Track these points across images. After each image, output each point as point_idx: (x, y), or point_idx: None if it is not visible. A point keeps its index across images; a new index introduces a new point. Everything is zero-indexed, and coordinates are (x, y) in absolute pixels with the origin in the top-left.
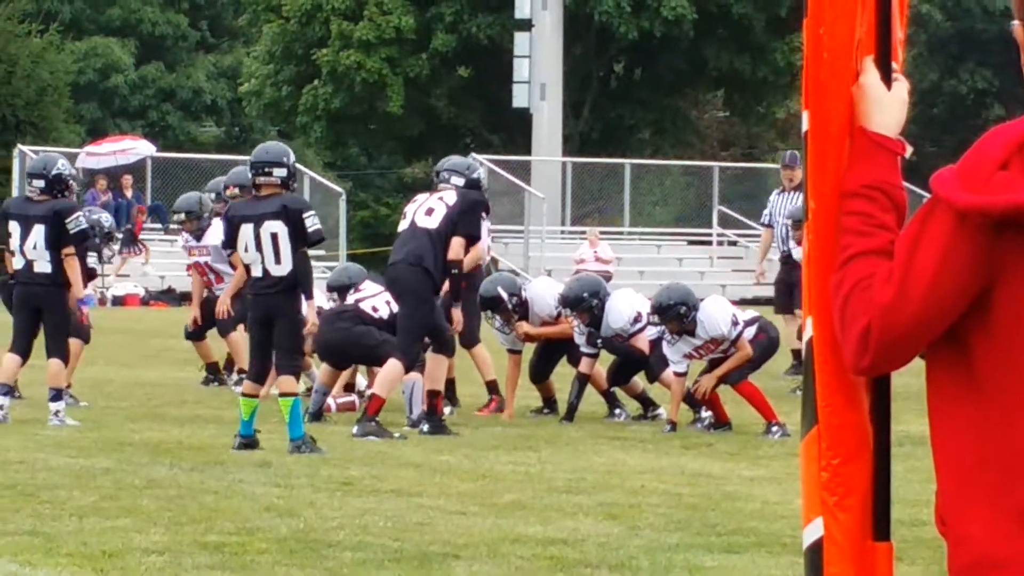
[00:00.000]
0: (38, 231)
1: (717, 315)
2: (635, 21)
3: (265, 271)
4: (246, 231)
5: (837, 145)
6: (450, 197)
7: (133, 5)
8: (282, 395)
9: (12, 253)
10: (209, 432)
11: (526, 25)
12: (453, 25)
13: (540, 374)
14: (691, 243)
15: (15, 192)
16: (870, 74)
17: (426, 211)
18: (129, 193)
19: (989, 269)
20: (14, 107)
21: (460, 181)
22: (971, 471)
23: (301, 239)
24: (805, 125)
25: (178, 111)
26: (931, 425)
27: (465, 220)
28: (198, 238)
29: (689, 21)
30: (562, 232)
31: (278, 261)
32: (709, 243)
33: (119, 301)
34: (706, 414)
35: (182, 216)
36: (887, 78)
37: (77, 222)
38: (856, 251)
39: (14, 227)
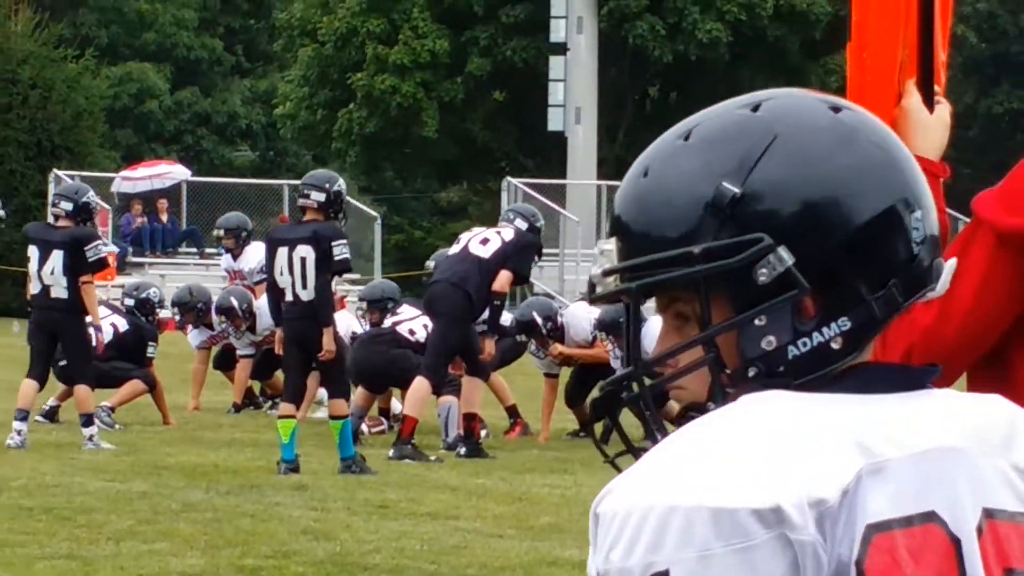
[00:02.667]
0: (56, 256)
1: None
2: (670, 44)
3: (295, 295)
4: (282, 254)
5: None
6: (508, 233)
7: (168, 30)
8: (332, 417)
9: (30, 278)
10: (245, 455)
11: (561, 49)
12: (488, 49)
13: (576, 398)
14: None
15: (50, 218)
16: (912, 97)
17: (481, 240)
18: (164, 217)
19: None
20: (49, 132)
21: (524, 224)
22: None
23: (327, 266)
24: None
25: (213, 135)
26: None
27: (518, 257)
28: (235, 257)
29: (724, 44)
30: (598, 254)
31: (304, 286)
32: None
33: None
34: None
35: (221, 232)
36: (929, 101)
37: (96, 250)
38: None
39: (33, 252)
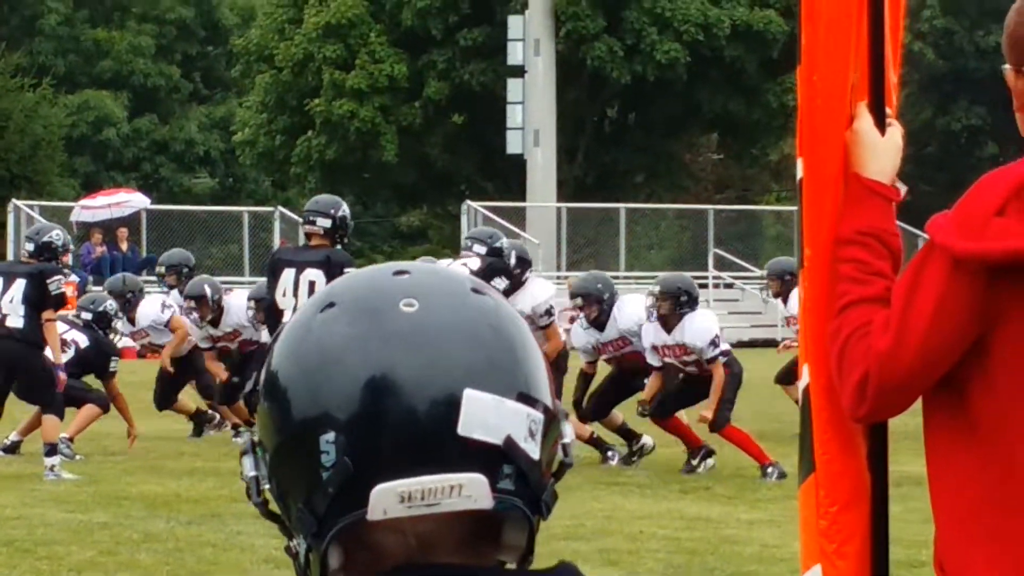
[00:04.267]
0: (18, 285)
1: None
2: (628, 65)
3: None
4: (287, 275)
5: (832, 192)
6: (473, 263)
7: (125, 57)
8: None
9: None
10: (207, 484)
11: (519, 71)
12: (446, 72)
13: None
14: None
15: (10, 247)
16: (864, 120)
17: None
18: (124, 246)
19: (986, 315)
20: (8, 162)
21: (482, 249)
22: (970, 516)
23: None
24: (800, 172)
25: (172, 163)
26: (929, 469)
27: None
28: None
29: (682, 65)
30: (558, 278)
31: None
32: (705, 286)
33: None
34: (707, 461)
35: (163, 269)
36: (881, 123)
37: (58, 284)
38: (852, 299)
39: None
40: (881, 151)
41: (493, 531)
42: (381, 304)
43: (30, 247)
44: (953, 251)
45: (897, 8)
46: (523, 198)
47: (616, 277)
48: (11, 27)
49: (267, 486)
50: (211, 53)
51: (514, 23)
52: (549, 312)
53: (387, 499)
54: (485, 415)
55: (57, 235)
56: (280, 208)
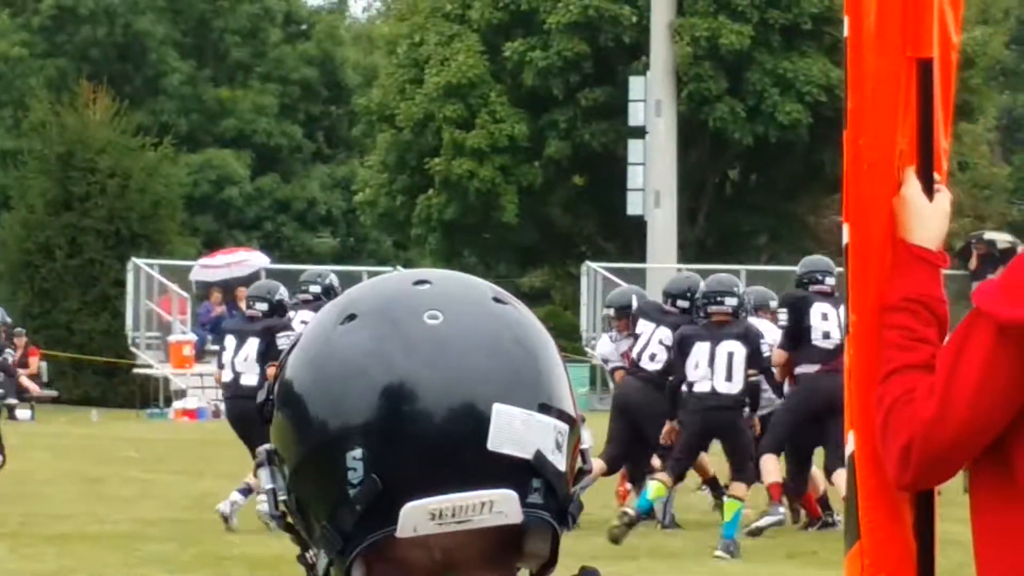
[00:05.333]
0: (251, 344)
1: None
2: (749, 127)
3: None
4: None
5: (878, 258)
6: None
7: (248, 116)
8: None
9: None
10: None
11: (640, 132)
12: (566, 132)
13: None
14: None
15: (129, 306)
16: (911, 185)
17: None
18: (244, 305)
19: None
20: (128, 221)
21: (317, 288)
22: None
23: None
24: (846, 238)
25: (294, 222)
26: (974, 536)
27: None
28: None
29: (804, 126)
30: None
31: None
32: None
33: None
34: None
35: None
36: (929, 189)
37: (287, 339)
38: (898, 365)
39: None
40: (928, 217)
41: (516, 542)
42: (405, 316)
43: (263, 306)
44: (998, 318)
45: (948, 72)
46: (644, 259)
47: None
48: (134, 86)
49: (284, 498)
50: (334, 113)
51: (635, 84)
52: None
53: (418, 517)
54: (514, 430)
55: (285, 291)
56: (400, 268)
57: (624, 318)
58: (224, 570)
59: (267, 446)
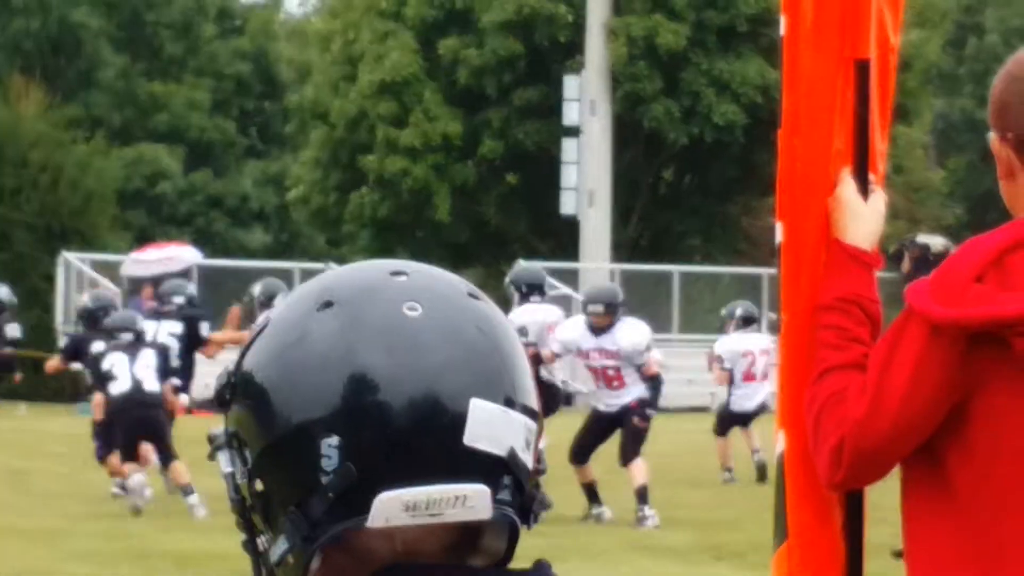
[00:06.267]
0: None
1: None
2: (685, 127)
3: None
4: None
5: (811, 257)
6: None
7: (181, 112)
8: None
9: None
10: (235, 540)
11: (574, 132)
12: (500, 131)
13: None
14: None
15: (59, 300)
16: (847, 186)
17: None
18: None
19: (964, 382)
20: (59, 215)
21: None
22: None
23: None
24: (779, 237)
25: (226, 217)
26: (905, 536)
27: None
28: None
29: (740, 127)
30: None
31: None
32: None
33: None
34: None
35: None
36: (864, 190)
37: None
38: (830, 365)
39: None
40: (864, 218)
41: (474, 537)
42: (384, 306)
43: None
44: (931, 317)
45: (886, 74)
46: (577, 259)
47: (669, 339)
48: (67, 79)
49: (243, 481)
50: (267, 109)
51: (570, 83)
52: (521, 332)
53: (391, 508)
54: (490, 425)
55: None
56: (331, 265)
57: (612, 314)
58: (151, 564)
59: (226, 428)
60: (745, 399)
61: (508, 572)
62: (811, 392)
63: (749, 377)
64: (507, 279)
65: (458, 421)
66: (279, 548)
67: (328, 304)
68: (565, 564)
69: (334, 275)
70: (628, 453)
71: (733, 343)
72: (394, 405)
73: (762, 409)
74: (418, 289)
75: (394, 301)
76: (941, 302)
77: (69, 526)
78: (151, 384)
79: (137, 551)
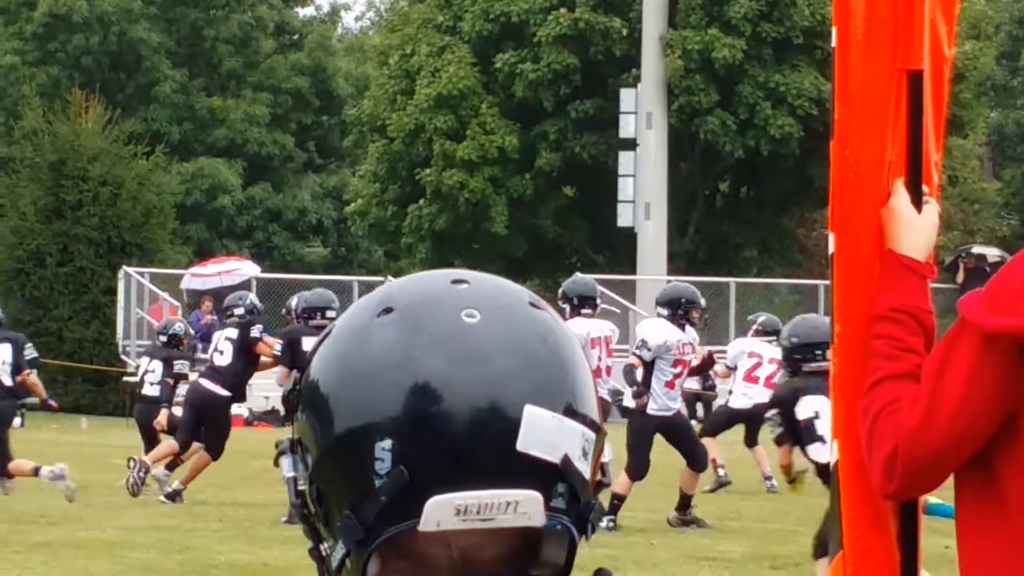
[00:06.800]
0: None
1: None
2: (740, 139)
3: None
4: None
5: (865, 268)
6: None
7: (240, 126)
8: None
9: None
10: (297, 553)
11: (630, 144)
12: (557, 144)
13: None
14: None
15: (120, 314)
16: (900, 196)
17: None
18: None
19: (1018, 393)
20: (120, 229)
21: (240, 310)
22: None
23: None
24: (832, 247)
25: (284, 231)
26: (959, 548)
27: None
28: None
29: (795, 139)
30: None
31: None
32: None
33: None
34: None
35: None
36: (917, 201)
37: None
38: (883, 375)
39: None
40: (917, 228)
41: (533, 547)
42: (443, 313)
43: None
44: (984, 327)
45: (940, 85)
46: (634, 271)
47: (726, 351)
48: (126, 95)
49: (304, 487)
50: (325, 123)
51: (627, 96)
52: None
53: (443, 511)
54: (544, 432)
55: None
56: (390, 278)
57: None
58: None
59: (291, 435)
60: (743, 397)
61: None
62: (864, 402)
63: (751, 379)
64: (560, 291)
65: (511, 427)
66: (338, 553)
67: (388, 310)
68: (623, 575)
69: (395, 284)
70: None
71: (744, 344)
72: (449, 411)
73: (759, 415)
74: (478, 297)
75: (454, 308)
76: (994, 312)
77: (129, 538)
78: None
79: (196, 563)
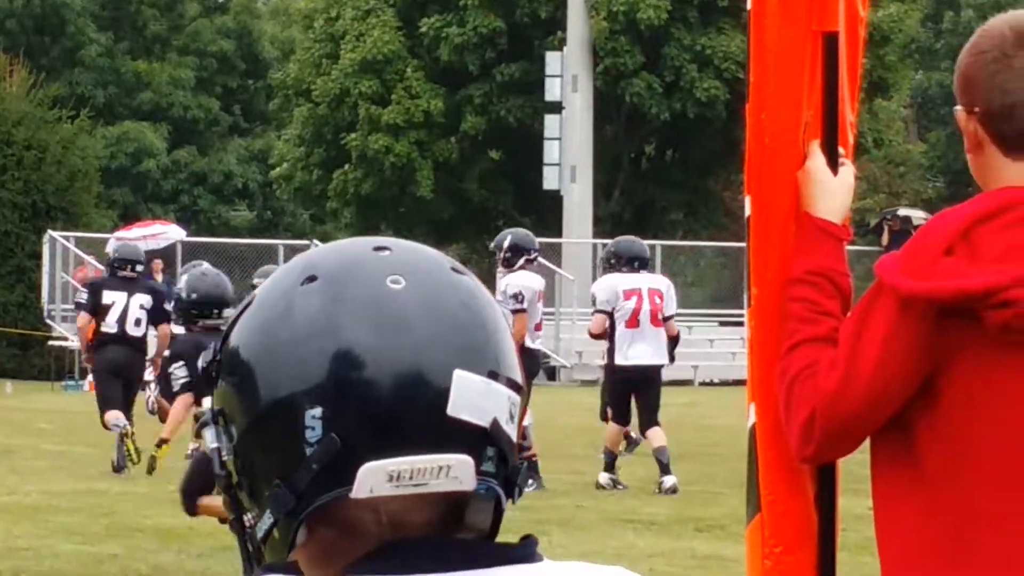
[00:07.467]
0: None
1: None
2: (667, 102)
3: None
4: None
5: (780, 231)
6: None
7: (165, 90)
8: None
9: None
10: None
11: (556, 107)
12: (482, 108)
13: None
14: (722, 324)
15: (45, 278)
16: (816, 159)
17: None
18: (160, 278)
19: (933, 356)
20: (44, 193)
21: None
22: (916, 560)
23: None
24: (747, 211)
25: (210, 195)
26: (875, 512)
27: None
28: None
29: (722, 102)
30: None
31: None
32: (740, 324)
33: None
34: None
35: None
36: (833, 163)
37: None
38: (800, 338)
39: None
40: (833, 190)
41: (461, 511)
42: (367, 279)
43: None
44: (900, 290)
45: (855, 46)
46: (559, 234)
47: None
48: (51, 58)
49: (228, 458)
50: (251, 86)
51: (552, 59)
52: (517, 298)
53: (375, 477)
54: (474, 396)
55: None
56: (315, 242)
57: None
58: (135, 542)
59: (211, 406)
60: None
61: (496, 546)
62: (781, 365)
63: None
64: (492, 244)
65: (442, 392)
66: (264, 524)
67: (312, 278)
68: (548, 537)
69: (318, 251)
70: None
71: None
72: (377, 377)
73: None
74: (402, 263)
75: (377, 275)
76: (910, 275)
77: (54, 502)
78: None
79: (121, 527)
